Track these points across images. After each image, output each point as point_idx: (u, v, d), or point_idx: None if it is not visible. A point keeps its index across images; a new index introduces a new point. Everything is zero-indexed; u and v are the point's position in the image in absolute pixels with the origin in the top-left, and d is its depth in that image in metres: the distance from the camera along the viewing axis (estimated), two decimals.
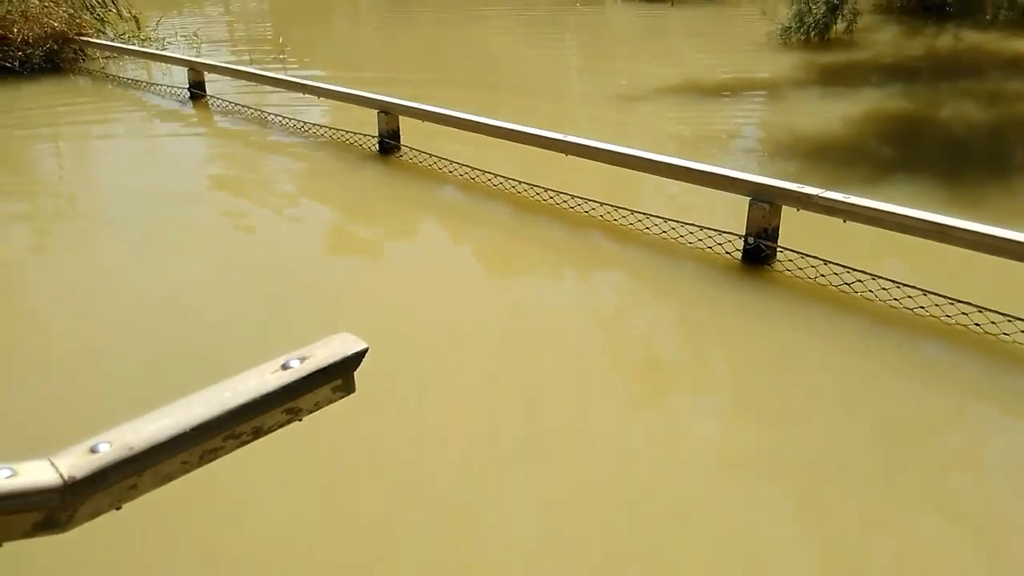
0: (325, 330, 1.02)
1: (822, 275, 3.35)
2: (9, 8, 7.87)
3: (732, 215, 3.65)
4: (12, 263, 4.13)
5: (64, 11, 8.20)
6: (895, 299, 3.13)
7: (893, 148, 5.08)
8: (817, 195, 3.31)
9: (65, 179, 5.52)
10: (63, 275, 3.93)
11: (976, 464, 2.42)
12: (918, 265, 3.39)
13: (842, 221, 3.28)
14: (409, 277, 3.76)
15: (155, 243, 4.20)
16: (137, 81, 7.55)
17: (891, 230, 3.15)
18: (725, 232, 3.66)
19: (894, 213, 3.10)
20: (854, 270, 3.26)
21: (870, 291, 3.21)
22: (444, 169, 4.89)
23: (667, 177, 3.93)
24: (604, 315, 3.42)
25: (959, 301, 2.99)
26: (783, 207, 3.49)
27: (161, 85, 7.21)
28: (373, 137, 5.32)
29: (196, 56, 8.10)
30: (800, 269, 3.42)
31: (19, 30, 7.72)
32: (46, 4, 8.18)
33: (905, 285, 3.13)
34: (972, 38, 7.70)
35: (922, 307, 3.06)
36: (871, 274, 3.22)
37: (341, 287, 3.67)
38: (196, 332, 3.21)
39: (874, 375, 2.81)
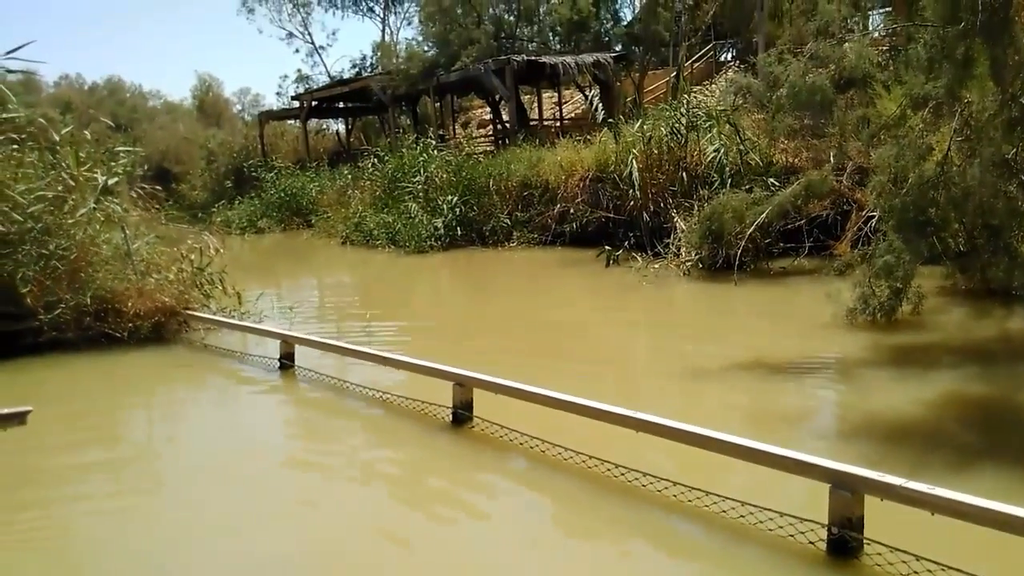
0: None
1: (915, 572, 3.14)
2: (127, 285, 8.74)
3: (813, 499, 3.52)
4: (84, 532, 4.24)
5: (176, 288, 9.06)
6: None
7: (975, 434, 4.94)
8: (901, 485, 3.19)
9: (150, 449, 5.79)
10: (133, 550, 4.00)
11: None
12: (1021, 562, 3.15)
13: (930, 514, 3.13)
14: (477, 562, 3.69)
15: (230, 517, 4.30)
16: (232, 351, 8.09)
17: (984, 526, 2.98)
18: (806, 520, 3.52)
19: (985, 508, 2.94)
20: (949, 568, 3.05)
21: None
22: (515, 441, 4.95)
23: (741, 459, 3.87)
24: None
25: None
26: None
27: (254, 355, 7.71)
28: (447, 408, 5.48)
29: (288, 328, 8.71)
30: (891, 564, 3.22)
31: (132, 304, 8.50)
32: (160, 282, 9.08)
33: None
34: None
35: None
36: (968, 573, 3.00)
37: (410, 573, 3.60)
38: None
39: None
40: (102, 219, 9.19)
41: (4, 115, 9.43)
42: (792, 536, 3.54)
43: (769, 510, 3.67)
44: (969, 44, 6.14)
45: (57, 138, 9.58)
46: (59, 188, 9.00)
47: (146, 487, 4.87)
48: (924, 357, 6.65)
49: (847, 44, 9.17)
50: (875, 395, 5.74)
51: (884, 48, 11.21)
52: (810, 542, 3.48)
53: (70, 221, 8.75)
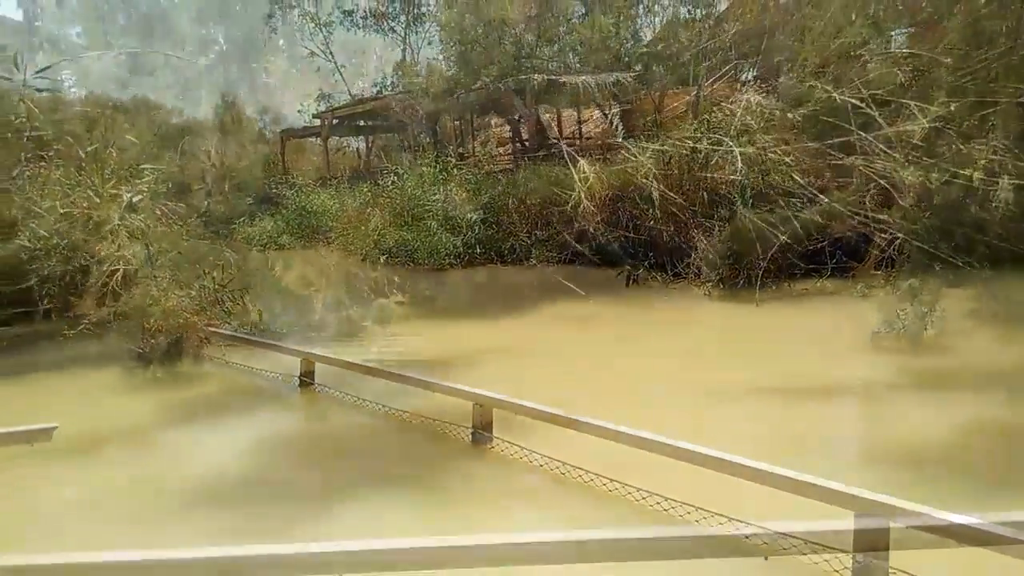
0: None
1: None
2: (150, 301, 8.80)
3: (837, 526, 3.46)
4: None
5: (198, 304, 9.11)
6: None
7: (1000, 461, 4.84)
8: (926, 514, 3.14)
9: (169, 467, 5.77)
10: None
11: None
12: None
13: (955, 543, 3.07)
14: None
15: (249, 533, 4.27)
16: (252, 368, 8.11)
17: (1011, 556, 2.91)
18: (830, 548, 3.46)
19: (1013, 538, 2.88)
20: None
21: None
22: (534, 462, 4.91)
23: (764, 485, 3.82)
24: None
25: None
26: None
27: (274, 373, 7.72)
28: (467, 428, 5.45)
29: (309, 345, 8.72)
30: None
31: (155, 320, 8.55)
32: (182, 298, 9.13)
33: None
34: None
35: None
36: None
37: None
38: None
39: None
40: (126, 235, 9.27)
41: (31, 132, 9.58)
42: (816, 564, 3.48)
43: (793, 536, 3.60)
44: (995, 68, 6.10)
45: (83, 155, 9.71)
46: (84, 205, 9.11)
47: (163, 508, 4.87)
48: (949, 382, 6.55)
49: (870, 65, 9.15)
50: (900, 420, 5.66)
51: (907, 69, 11.15)
52: (835, 570, 3.42)
53: (95, 237, 8.85)
